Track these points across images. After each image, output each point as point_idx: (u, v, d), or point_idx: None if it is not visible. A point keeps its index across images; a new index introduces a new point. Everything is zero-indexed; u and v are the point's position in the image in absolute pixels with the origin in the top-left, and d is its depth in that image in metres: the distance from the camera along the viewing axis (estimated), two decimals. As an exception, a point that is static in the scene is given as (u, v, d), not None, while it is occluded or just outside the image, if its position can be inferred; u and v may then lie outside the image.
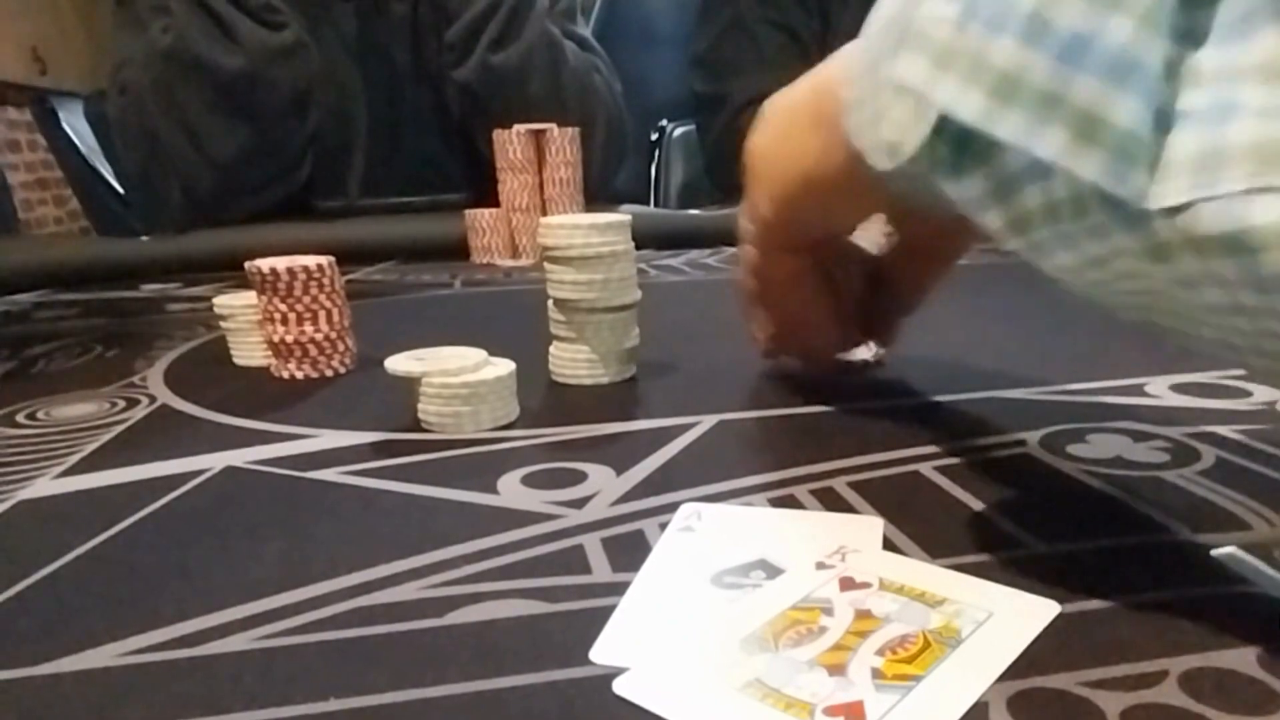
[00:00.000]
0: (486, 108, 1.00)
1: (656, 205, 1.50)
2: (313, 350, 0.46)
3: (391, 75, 1.07)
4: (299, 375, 0.46)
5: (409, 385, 0.37)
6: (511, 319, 0.60)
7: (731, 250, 0.86)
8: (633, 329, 0.43)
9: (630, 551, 0.26)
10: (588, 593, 0.24)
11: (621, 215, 0.42)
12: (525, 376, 0.39)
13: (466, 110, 1.05)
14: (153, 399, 0.44)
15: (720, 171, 1.19)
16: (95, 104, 1.69)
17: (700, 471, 0.32)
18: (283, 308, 0.45)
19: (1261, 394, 0.37)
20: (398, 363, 0.38)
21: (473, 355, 0.39)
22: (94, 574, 0.26)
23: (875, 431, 0.35)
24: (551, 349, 0.44)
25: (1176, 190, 0.17)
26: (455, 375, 0.37)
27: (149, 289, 0.78)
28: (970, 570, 0.24)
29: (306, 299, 0.45)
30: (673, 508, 0.29)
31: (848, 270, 0.40)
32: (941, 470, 0.31)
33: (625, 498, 0.30)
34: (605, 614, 0.23)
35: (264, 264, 0.45)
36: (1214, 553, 0.25)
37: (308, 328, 0.45)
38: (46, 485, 0.33)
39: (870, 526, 0.27)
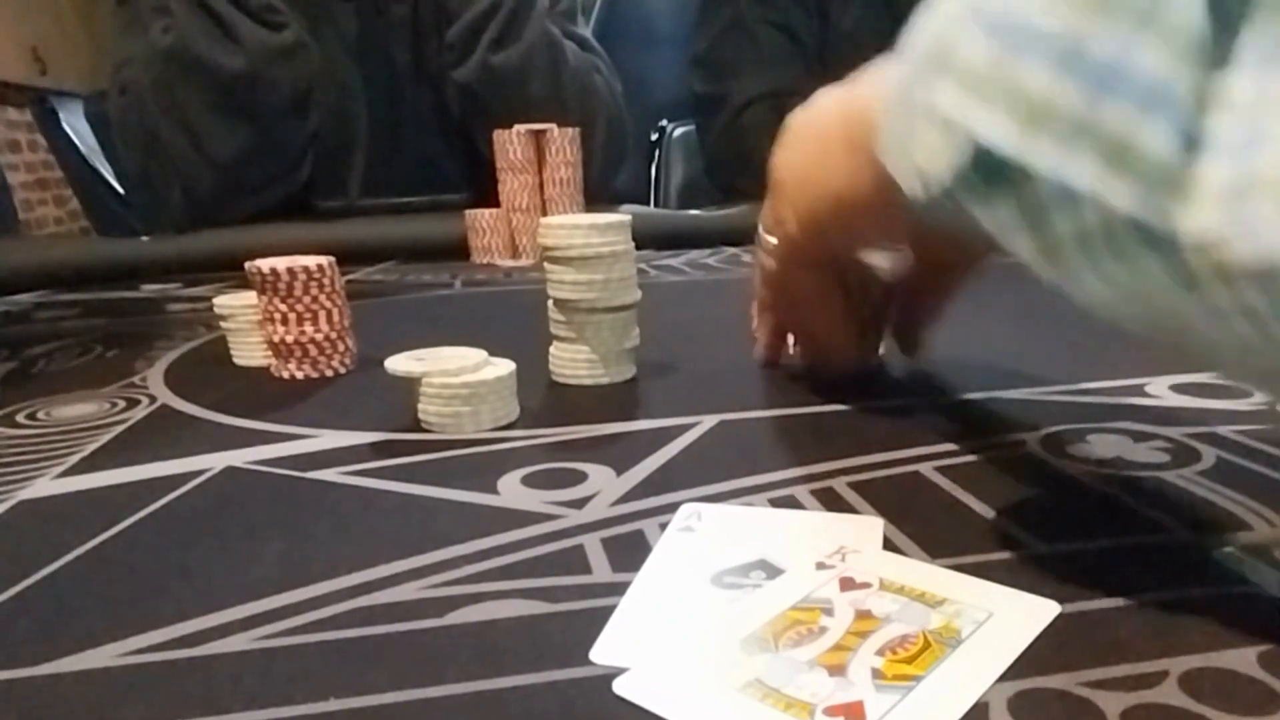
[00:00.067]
0: (487, 108, 1.00)
1: (656, 205, 1.50)
2: (313, 350, 0.46)
3: (392, 75, 1.07)
4: (299, 375, 0.46)
5: (409, 385, 0.37)
6: (511, 319, 0.60)
7: (731, 250, 0.86)
8: (633, 329, 0.43)
9: (630, 551, 0.26)
10: (588, 593, 0.24)
11: (621, 215, 0.42)
12: (525, 376, 0.39)
13: (467, 110, 1.05)
14: (153, 399, 0.44)
15: (720, 172, 1.20)
16: (95, 104, 1.69)
17: (700, 471, 0.32)
18: (283, 308, 0.45)
19: (1262, 394, 0.37)
20: (398, 363, 0.38)
21: (473, 355, 0.39)
22: (94, 574, 0.26)
23: (875, 431, 0.35)
24: (551, 349, 0.44)
25: (1207, 220, 0.17)
26: (455, 375, 0.37)
27: (149, 289, 0.78)
28: (970, 570, 0.24)
29: (306, 299, 0.45)
30: (673, 508, 0.29)
31: (865, 283, 0.41)
32: (941, 470, 0.31)
33: (625, 498, 0.30)
34: (605, 614, 0.23)
35: (264, 264, 0.45)
36: (1214, 553, 0.25)
37: (308, 328, 0.45)
38: (46, 485, 0.33)
39: (870, 526, 0.27)
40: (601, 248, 0.41)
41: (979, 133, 0.20)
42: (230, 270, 0.75)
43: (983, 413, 0.38)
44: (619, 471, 0.32)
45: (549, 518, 0.29)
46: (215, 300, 0.49)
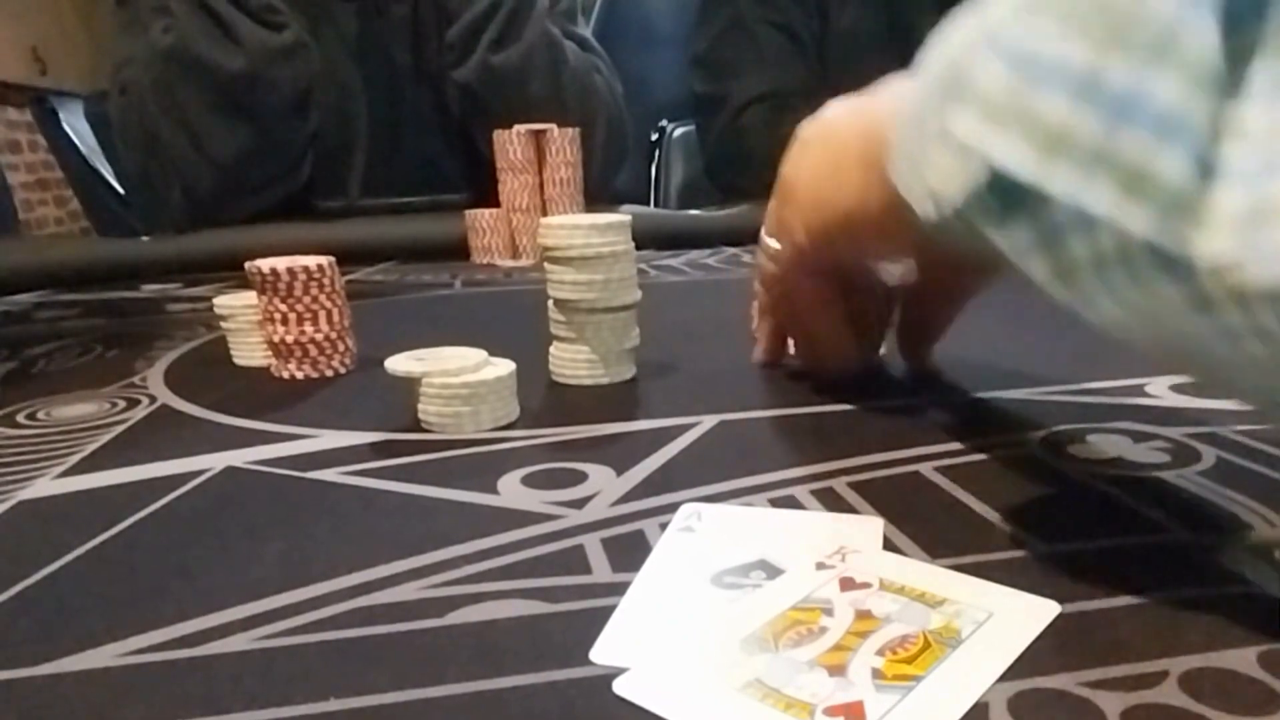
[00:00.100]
0: (487, 108, 1.00)
1: (656, 205, 1.50)
2: (313, 350, 0.46)
3: (392, 75, 1.07)
4: (299, 375, 0.46)
5: (409, 385, 0.37)
6: (511, 319, 0.60)
7: (731, 250, 0.86)
8: (633, 329, 0.43)
9: (630, 552, 0.26)
10: (588, 593, 0.24)
11: (621, 215, 0.42)
12: (525, 376, 0.39)
13: (467, 110, 1.05)
14: (153, 399, 0.44)
15: (720, 171, 1.20)
16: (95, 104, 1.68)
17: (700, 471, 0.32)
18: (283, 308, 0.45)
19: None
20: (398, 363, 0.38)
21: (473, 355, 0.39)
22: (94, 574, 0.26)
23: (875, 431, 0.35)
24: (551, 349, 0.44)
25: (1222, 244, 0.17)
26: (455, 375, 0.37)
27: (149, 289, 0.78)
28: (970, 570, 0.24)
29: (307, 299, 0.45)
30: (673, 508, 0.29)
31: (869, 284, 0.41)
32: (941, 470, 0.31)
33: (625, 498, 0.30)
34: (605, 614, 0.23)
35: (264, 264, 0.45)
36: (1214, 553, 0.25)
37: (308, 328, 0.45)
38: (46, 485, 0.33)
39: (870, 527, 0.27)
40: (601, 248, 0.41)
41: (996, 158, 0.20)
42: (230, 270, 0.75)
43: (983, 413, 0.38)
44: (619, 471, 0.32)
45: (549, 518, 0.29)
46: (215, 300, 0.49)
